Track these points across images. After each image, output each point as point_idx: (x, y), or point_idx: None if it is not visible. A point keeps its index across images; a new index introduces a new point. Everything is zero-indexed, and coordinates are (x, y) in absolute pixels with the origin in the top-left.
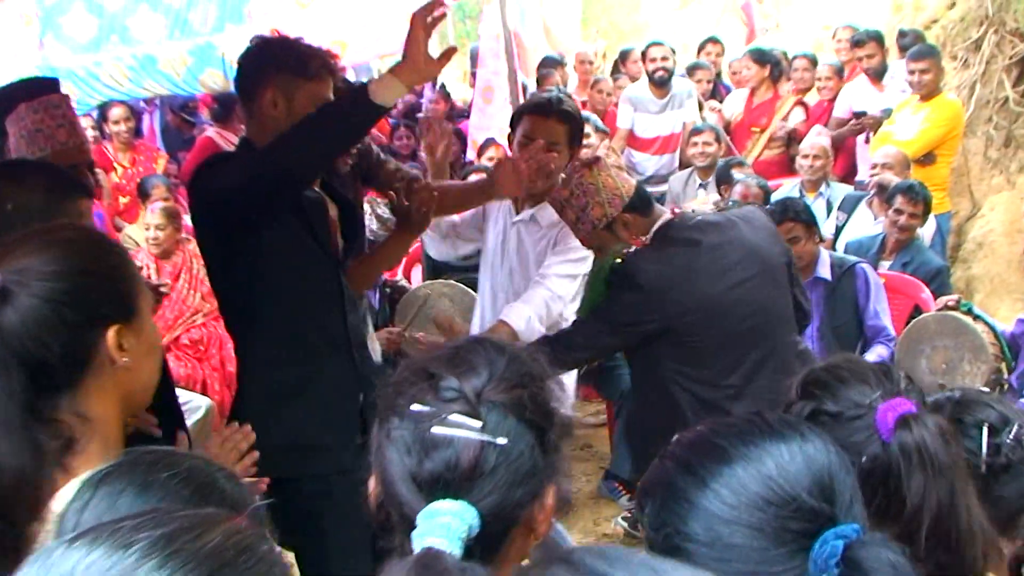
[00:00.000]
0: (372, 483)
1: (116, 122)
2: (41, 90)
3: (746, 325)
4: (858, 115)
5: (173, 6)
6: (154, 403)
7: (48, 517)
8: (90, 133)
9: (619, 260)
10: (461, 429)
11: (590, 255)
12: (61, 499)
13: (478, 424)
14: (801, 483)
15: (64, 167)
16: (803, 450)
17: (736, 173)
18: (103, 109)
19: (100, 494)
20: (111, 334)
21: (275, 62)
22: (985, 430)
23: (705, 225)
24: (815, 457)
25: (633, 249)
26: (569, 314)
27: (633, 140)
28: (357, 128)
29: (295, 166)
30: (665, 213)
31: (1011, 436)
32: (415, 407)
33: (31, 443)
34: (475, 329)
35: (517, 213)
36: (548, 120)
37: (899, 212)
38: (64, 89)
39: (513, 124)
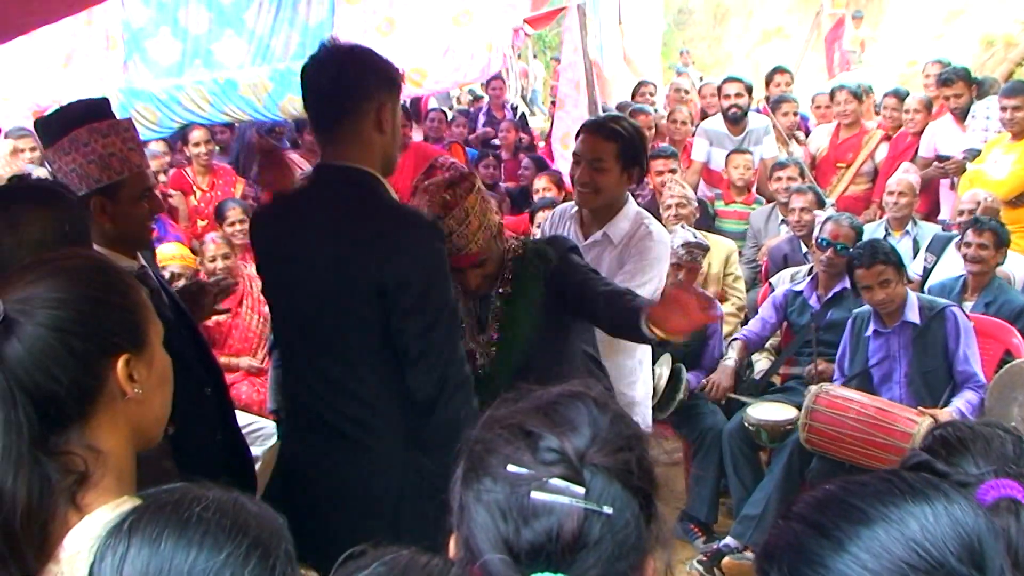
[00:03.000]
0: (452, 545)
1: (196, 144)
2: (97, 114)
3: None
4: (941, 159)
5: (256, 32)
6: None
7: (59, 556)
8: (166, 157)
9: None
10: (563, 496)
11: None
12: (75, 539)
13: (582, 491)
14: (949, 548)
15: (140, 191)
16: (949, 512)
17: (820, 213)
18: (183, 132)
19: (137, 541)
20: (121, 364)
21: (380, 76)
22: None
23: None
24: (963, 520)
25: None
26: None
27: (709, 175)
28: None
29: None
30: None
31: None
32: (511, 468)
33: (40, 477)
34: None
35: (586, 237)
36: (595, 137)
37: (968, 245)
38: (145, 112)
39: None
